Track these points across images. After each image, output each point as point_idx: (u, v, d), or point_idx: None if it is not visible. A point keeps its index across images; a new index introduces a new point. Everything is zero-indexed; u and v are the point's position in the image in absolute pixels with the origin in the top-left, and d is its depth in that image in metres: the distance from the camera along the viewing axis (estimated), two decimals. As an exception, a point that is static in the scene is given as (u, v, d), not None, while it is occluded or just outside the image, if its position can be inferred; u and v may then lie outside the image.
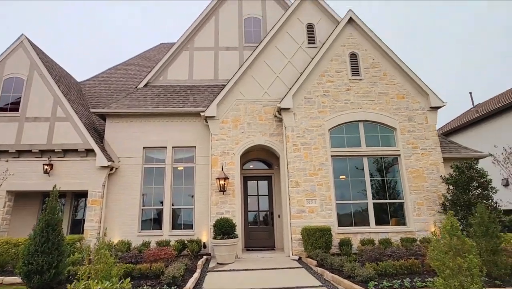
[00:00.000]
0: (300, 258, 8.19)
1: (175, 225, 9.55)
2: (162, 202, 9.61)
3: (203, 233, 9.29)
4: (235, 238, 8.05)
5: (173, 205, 9.66)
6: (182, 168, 10.01)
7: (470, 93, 24.21)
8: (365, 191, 9.07)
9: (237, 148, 9.58)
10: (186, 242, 8.75)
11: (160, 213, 9.57)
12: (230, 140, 9.63)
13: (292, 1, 11.35)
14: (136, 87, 11.43)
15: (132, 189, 9.51)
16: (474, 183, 8.01)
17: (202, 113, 9.57)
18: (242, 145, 9.63)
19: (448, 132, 20.25)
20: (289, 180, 8.92)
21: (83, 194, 10.42)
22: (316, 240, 7.71)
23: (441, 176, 8.79)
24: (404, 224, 8.91)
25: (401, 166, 9.26)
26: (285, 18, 10.73)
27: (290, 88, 9.52)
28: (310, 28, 10.92)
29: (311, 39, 10.81)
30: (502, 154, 8.75)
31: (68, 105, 9.65)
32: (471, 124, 19.59)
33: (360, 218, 8.96)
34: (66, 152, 9.52)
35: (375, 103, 9.67)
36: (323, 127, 9.37)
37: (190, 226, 9.54)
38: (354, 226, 8.85)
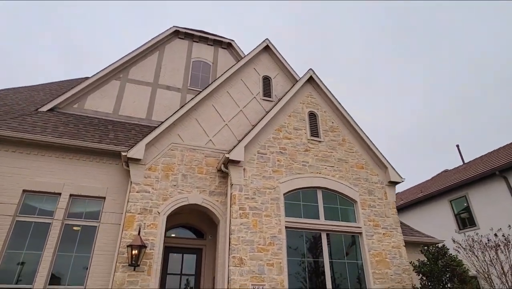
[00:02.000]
0: None
1: (46, 317, 6.14)
2: (33, 278, 6.26)
3: (91, 332, 6.08)
4: None
5: (51, 284, 6.36)
6: (78, 227, 6.99)
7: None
8: (323, 276, 7.17)
9: (165, 206, 7.13)
10: None
11: (25, 295, 6.14)
12: (156, 194, 7.18)
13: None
14: (36, 109, 8.55)
15: (-15, 254, 6.08)
16: (448, 273, 6.77)
17: (123, 153, 7.12)
18: (172, 203, 7.23)
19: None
20: (230, 255, 6.62)
21: None
22: None
23: (411, 263, 7.44)
24: (368, 323, 7.05)
25: (362, 246, 7.76)
26: (240, 64, 9.57)
27: (243, 139, 7.82)
28: (266, 80, 9.88)
29: (267, 92, 9.68)
30: (466, 240, 7.93)
31: None
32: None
33: (316, 314, 6.85)
34: None
35: (335, 170, 8.45)
36: (277, 190, 7.63)
37: (71, 320, 6.24)
38: (310, 325, 6.68)
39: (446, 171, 20.90)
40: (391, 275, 7.55)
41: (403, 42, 77.63)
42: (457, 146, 19.55)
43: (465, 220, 15.68)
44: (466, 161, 19.27)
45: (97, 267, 6.55)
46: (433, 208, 17.39)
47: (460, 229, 15.70)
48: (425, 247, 7.35)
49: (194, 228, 8.69)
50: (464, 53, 69.01)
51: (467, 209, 15.51)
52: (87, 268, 6.58)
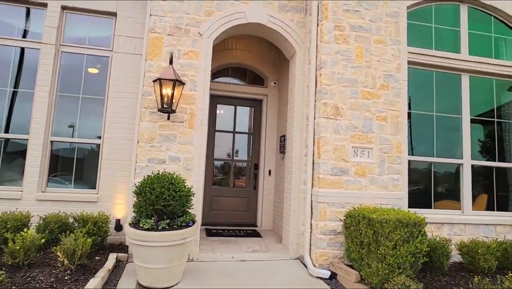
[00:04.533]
0: (333, 275, 3.68)
1: (53, 179, 4.40)
2: (27, 127, 4.30)
3: (117, 201, 4.33)
4: (188, 226, 3.22)
5: (55, 135, 4.42)
6: (82, 58, 4.60)
7: None
8: (458, 140, 4.59)
9: (209, 25, 4.35)
10: (75, 217, 3.83)
11: (21, 149, 4.29)
12: (194, 5, 4.33)
13: None
14: None
15: None
16: None
17: None
18: (220, 20, 4.39)
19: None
20: (320, 101, 4.06)
21: None
22: (394, 246, 3.09)
23: None
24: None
25: (523, 100, 4.84)
26: None
27: None
28: None
29: None
30: None
31: None
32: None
33: (443, 193, 4.58)
34: None
35: (492, -28, 4.85)
36: (396, 1, 4.42)
37: (89, 184, 4.46)
38: (435, 207, 4.47)
39: None
40: (561, 144, 4.80)
41: None
42: None
43: None
44: None
45: (115, 115, 4.40)
46: None
47: None
48: None
49: (251, 70, 6.11)
50: None
51: None
52: (102, 117, 4.46)
